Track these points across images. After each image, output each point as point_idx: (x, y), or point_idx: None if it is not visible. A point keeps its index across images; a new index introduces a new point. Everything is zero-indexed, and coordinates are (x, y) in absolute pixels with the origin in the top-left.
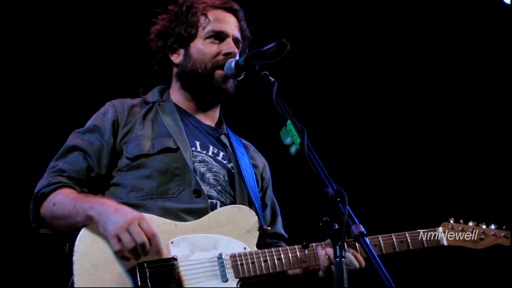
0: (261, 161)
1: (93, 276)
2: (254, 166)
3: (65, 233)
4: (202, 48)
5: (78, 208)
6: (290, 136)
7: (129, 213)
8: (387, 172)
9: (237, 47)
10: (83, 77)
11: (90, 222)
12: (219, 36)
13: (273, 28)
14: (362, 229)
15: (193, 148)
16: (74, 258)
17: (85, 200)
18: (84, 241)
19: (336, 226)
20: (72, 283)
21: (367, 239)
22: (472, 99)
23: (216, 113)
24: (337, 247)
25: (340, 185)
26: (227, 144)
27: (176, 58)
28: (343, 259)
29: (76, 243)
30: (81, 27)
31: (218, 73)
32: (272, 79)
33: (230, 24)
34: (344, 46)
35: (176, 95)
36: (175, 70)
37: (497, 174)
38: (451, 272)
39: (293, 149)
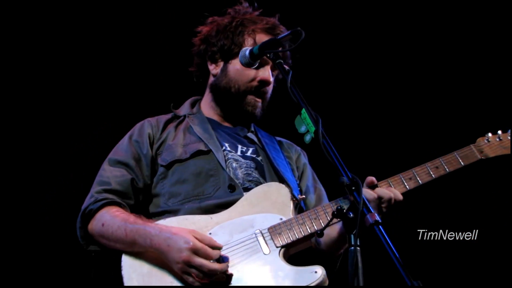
0: (295, 151)
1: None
2: (288, 157)
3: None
4: (240, 69)
5: (129, 238)
6: (305, 124)
7: (181, 250)
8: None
9: (273, 75)
10: (116, 91)
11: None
12: (260, 62)
13: (287, 18)
14: (378, 217)
15: (223, 148)
16: (122, 272)
17: (134, 231)
18: (130, 254)
19: (351, 215)
20: None
21: (382, 228)
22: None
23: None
24: (352, 235)
25: (356, 167)
26: (255, 139)
27: (214, 68)
28: (358, 248)
29: (122, 258)
30: (111, 43)
31: (250, 98)
32: (286, 67)
33: None
34: (358, 36)
35: (207, 108)
36: (210, 79)
37: None
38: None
39: (307, 138)
